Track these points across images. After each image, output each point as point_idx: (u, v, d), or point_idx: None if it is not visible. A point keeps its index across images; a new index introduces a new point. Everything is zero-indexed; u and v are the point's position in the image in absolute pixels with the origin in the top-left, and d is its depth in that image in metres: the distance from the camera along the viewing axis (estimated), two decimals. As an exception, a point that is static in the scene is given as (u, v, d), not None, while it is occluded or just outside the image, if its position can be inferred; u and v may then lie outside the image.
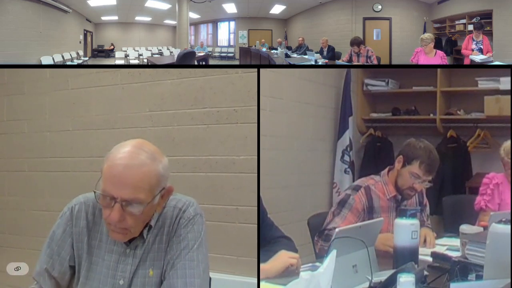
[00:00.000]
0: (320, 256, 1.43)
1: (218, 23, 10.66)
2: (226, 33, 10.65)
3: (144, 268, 1.48)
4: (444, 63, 4.67)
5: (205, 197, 2.99)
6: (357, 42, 5.33)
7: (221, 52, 10.56)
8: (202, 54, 8.00)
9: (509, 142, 2.89)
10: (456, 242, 2.28)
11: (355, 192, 2.40)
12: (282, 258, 1.73)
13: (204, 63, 7.43)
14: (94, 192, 1.39)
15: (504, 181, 2.95)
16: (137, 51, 9.56)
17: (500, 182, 2.93)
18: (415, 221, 1.78)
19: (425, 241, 2.32)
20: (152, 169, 1.38)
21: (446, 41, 7.43)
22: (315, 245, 2.38)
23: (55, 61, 7.23)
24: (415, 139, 2.44)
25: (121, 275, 1.48)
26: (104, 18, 9.81)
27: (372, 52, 5.35)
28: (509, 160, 2.84)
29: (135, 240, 1.48)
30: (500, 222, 1.51)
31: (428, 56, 4.58)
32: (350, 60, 5.42)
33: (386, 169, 2.51)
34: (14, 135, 3.70)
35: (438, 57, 4.58)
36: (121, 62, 8.65)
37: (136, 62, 8.56)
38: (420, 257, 1.86)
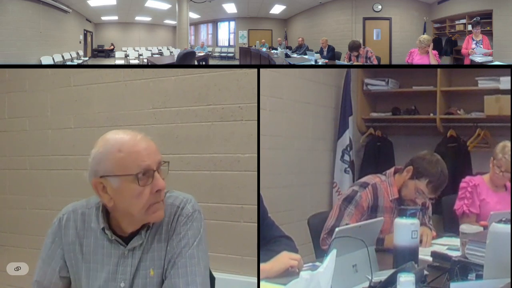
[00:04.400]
0: (326, 254, 1.43)
1: (218, 23, 10.67)
2: (226, 33, 10.65)
3: (145, 269, 1.47)
4: (438, 61, 4.67)
5: (209, 195, 2.97)
6: (355, 47, 5.28)
7: (221, 52, 10.56)
8: (202, 54, 8.00)
9: (506, 142, 2.90)
10: (456, 241, 2.28)
11: (362, 189, 2.40)
12: (283, 258, 1.73)
13: (204, 63, 7.44)
14: (122, 176, 1.37)
15: (481, 182, 2.96)
16: (137, 51, 9.56)
17: (477, 184, 2.95)
18: (415, 221, 1.78)
19: (421, 240, 2.31)
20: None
21: (446, 41, 7.43)
22: (321, 242, 2.38)
23: (55, 61, 7.24)
24: (429, 153, 2.42)
25: (121, 277, 1.46)
26: (104, 18, 9.82)
27: (371, 52, 5.33)
28: (505, 159, 2.84)
29: (134, 240, 1.47)
30: (500, 221, 1.51)
31: (421, 55, 4.58)
32: (349, 61, 5.41)
33: (392, 169, 2.50)
34: (16, 132, 3.69)
35: (432, 55, 4.58)
36: (121, 62, 8.65)
37: (136, 62, 8.56)
38: (420, 256, 1.86)
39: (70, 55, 7.99)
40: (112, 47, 10.05)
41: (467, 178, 3.01)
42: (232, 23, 10.40)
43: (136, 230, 1.47)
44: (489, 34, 6.12)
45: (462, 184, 2.98)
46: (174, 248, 1.46)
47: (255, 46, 8.83)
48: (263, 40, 9.07)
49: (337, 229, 1.62)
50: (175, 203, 1.50)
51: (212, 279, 1.64)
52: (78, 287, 1.51)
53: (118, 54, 9.22)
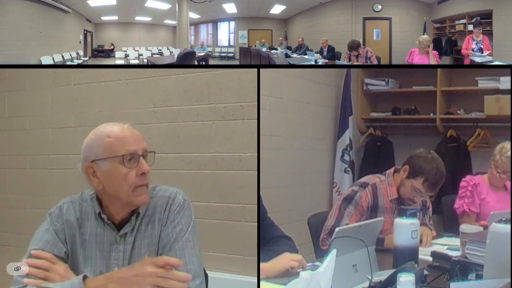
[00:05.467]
0: (326, 254, 1.43)
1: (218, 23, 10.68)
2: (226, 33, 10.66)
3: (140, 255, 1.53)
4: (438, 61, 4.67)
5: (210, 195, 2.96)
6: (355, 46, 5.27)
7: (221, 52, 10.57)
8: (202, 54, 8.00)
9: (504, 143, 2.90)
10: (456, 241, 2.28)
11: (362, 189, 2.40)
12: (283, 259, 1.74)
13: (204, 63, 7.44)
14: (110, 158, 1.48)
15: (481, 182, 2.97)
16: (137, 51, 9.57)
17: (478, 183, 2.96)
18: (415, 221, 1.78)
19: (421, 240, 2.31)
20: None
21: (446, 41, 7.44)
22: (321, 242, 2.38)
23: (55, 61, 7.24)
24: (425, 151, 2.41)
25: (115, 262, 1.53)
26: (104, 18, 9.83)
27: (371, 52, 5.32)
28: (502, 161, 2.85)
29: (125, 227, 1.55)
30: (500, 221, 1.51)
31: (421, 55, 4.58)
32: (349, 61, 5.40)
33: (392, 169, 2.50)
34: (16, 131, 3.69)
35: (432, 55, 4.58)
36: (121, 62, 8.66)
37: (136, 62, 8.56)
38: (420, 256, 1.86)
39: (70, 55, 8.00)
40: (112, 47, 10.06)
41: (468, 177, 3.02)
42: (232, 23, 10.41)
43: (126, 218, 1.55)
44: (489, 34, 6.12)
45: (462, 183, 2.99)
46: (170, 234, 1.54)
47: (255, 46, 8.84)
48: (263, 40, 9.08)
49: (337, 229, 1.62)
50: (166, 195, 1.60)
51: (206, 276, 1.66)
52: (76, 272, 1.53)
53: (118, 54, 9.23)
